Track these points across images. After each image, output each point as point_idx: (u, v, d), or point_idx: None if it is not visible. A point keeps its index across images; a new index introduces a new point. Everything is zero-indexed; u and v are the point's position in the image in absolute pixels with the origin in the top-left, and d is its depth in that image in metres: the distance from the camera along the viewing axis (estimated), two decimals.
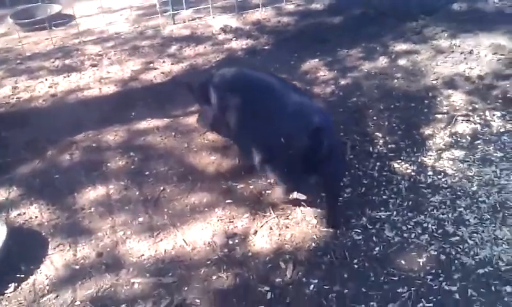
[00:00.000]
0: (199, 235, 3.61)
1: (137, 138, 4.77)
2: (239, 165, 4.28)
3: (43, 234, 3.72)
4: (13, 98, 5.65)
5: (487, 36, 5.94)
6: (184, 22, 7.46)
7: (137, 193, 4.06)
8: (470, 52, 5.66)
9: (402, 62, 5.66)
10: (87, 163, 4.44)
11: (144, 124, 4.99)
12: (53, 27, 7.41)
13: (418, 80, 5.25)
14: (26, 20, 7.67)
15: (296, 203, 3.85)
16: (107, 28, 7.41)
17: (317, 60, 5.94)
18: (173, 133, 4.80)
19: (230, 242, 3.53)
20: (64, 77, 6.10)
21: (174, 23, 7.52)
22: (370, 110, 4.84)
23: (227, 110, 3.93)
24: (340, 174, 3.78)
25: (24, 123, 5.13)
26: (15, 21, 7.69)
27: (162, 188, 4.10)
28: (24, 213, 3.90)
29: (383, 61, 5.71)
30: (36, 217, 3.85)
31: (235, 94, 3.89)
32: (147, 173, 4.30)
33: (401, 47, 5.98)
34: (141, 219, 3.80)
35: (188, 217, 3.79)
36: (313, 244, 3.45)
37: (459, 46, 5.82)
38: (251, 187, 4.04)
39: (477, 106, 4.74)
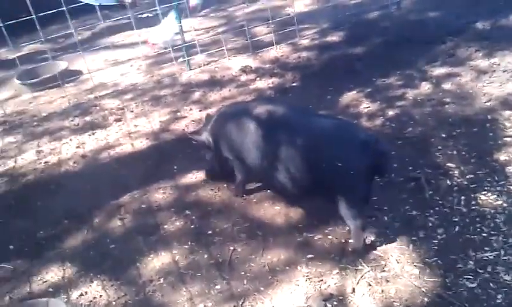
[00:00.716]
0: (289, 299, 3.23)
1: (187, 194, 4.40)
2: (308, 212, 3.95)
3: None
4: (40, 163, 5.27)
5: None
6: (200, 66, 7.18)
7: (206, 256, 3.67)
8: None
9: (446, 86, 5.42)
10: (141, 227, 4.05)
11: (190, 177, 4.63)
12: (65, 85, 7.06)
13: (471, 104, 5.00)
14: (35, 80, 7.30)
15: (372, 247, 3.52)
16: (121, 80, 7.08)
17: (354, 92, 5.68)
18: (224, 185, 4.40)
19: (329, 306, 3.12)
20: (90, 135, 5.74)
21: (190, 69, 7.22)
22: (432, 140, 4.55)
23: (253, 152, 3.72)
24: None
25: (58, 189, 4.74)
26: (22, 82, 7.33)
27: (232, 248, 3.72)
28: (86, 292, 3.49)
29: (425, 87, 5.47)
30: (101, 295, 3.44)
31: (256, 131, 3.66)
32: (210, 232, 3.92)
33: (439, 70, 5.77)
34: (218, 287, 3.40)
35: (270, 278, 3.41)
36: (426, 299, 3.06)
37: (499, 65, 5.62)
38: (329, 236, 3.69)
39: None
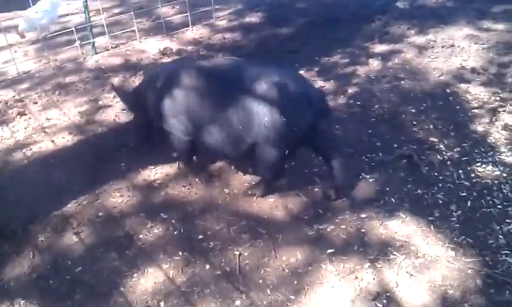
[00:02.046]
0: (331, 304, 2.69)
1: (154, 194, 3.64)
2: (308, 201, 3.48)
3: None
4: None
5: (453, 29, 5.97)
6: (107, 50, 6.18)
7: (207, 266, 3.00)
8: (452, 46, 5.51)
9: (394, 62, 5.30)
10: (109, 241, 3.19)
11: (148, 174, 3.84)
12: None
13: (426, 79, 4.95)
14: None
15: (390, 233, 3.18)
16: (7, 68, 5.79)
17: (302, 71, 5.28)
18: (196, 179, 3.70)
19: (379, 305, 2.67)
20: None
21: (96, 53, 6.19)
22: (404, 115, 4.35)
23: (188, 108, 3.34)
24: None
25: None
26: None
27: (236, 252, 3.09)
28: None
29: (374, 64, 5.31)
30: None
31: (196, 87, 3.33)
32: (201, 236, 3.26)
33: (381, 47, 5.66)
34: (238, 302, 2.75)
35: (296, 283, 2.86)
36: (477, 281, 2.82)
37: (435, 41, 5.69)
38: (343, 226, 3.25)
39: (503, 96, 4.53)
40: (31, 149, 4.27)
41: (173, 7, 7.18)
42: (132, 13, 6.41)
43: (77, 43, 6.02)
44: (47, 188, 3.71)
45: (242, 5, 7.41)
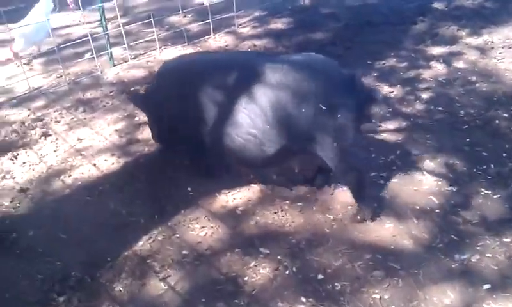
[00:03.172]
0: None
1: (242, 224, 3.03)
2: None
3: None
4: None
5: (507, 29, 5.55)
6: (126, 61, 5.49)
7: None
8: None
9: (458, 65, 4.81)
10: (210, 288, 2.56)
11: (225, 199, 3.24)
12: None
13: (501, 81, 4.51)
14: None
15: None
16: (13, 85, 5.03)
17: (364, 75, 4.73)
18: (285, 203, 3.07)
19: None
20: (11, 159, 3.76)
21: (114, 65, 5.51)
22: (497, 121, 3.83)
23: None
24: None
25: (6, 252, 2.84)
26: None
27: (376, 296, 2.47)
28: None
29: (437, 67, 4.81)
30: None
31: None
32: (321, 276, 2.66)
33: (437, 50, 5.18)
34: None
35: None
36: None
37: (492, 42, 5.24)
38: (488, 255, 2.65)
39: None
40: (70, 176, 3.56)
41: (185, 16, 6.55)
42: (140, 23, 5.77)
43: (89, 55, 5.33)
44: (105, 223, 3.00)
45: (261, 11, 6.83)
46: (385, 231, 2.88)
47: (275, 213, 3.05)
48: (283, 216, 3.03)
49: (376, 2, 6.73)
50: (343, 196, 3.16)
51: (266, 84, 2.68)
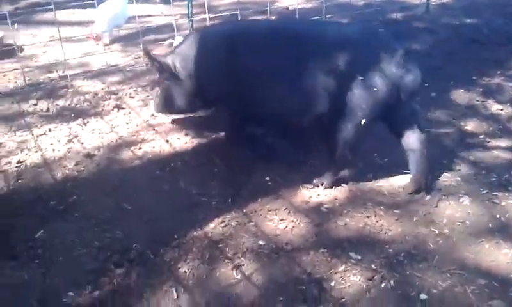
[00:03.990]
0: None
1: (328, 223, 2.61)
2: None
3: None
4: (8, 163, 2.95)
5: None
6: None
7: None
8: None
9: None
10: (290, 286, 2.13)
11: (308, 194, 2.87)
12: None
13: None
14: None
15: None
16: (89, 60, 4.87)
17: (462, 90, 4.26)
18: (380, 208, 2.60)
19: None
20: (80, 125, 3.55)
21: None
22: None
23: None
24: None
25: (67, 215, 2.52)
26: None
27: None
28: None
29: None
30: None
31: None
32: (424, 296, 2.09)
33: None
34: None
35: None
36: None
37: None
38: None
39: None
40: (140, 149, 3.27)
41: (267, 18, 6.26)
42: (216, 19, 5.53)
43: (169, 41, 5.11)
44: (175, 199, 2.66)
45: (350, 20, 6.46)
46: (503, 256, 2.36)
47: (367, 217, 2.60)
48: (377, 221, 2.57)
49: (476, 21, 6.19)
50: (449, 209, 2.68)
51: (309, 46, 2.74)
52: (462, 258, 2.34)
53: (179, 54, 3.15)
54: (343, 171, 2.86)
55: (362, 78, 2.56)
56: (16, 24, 5.12)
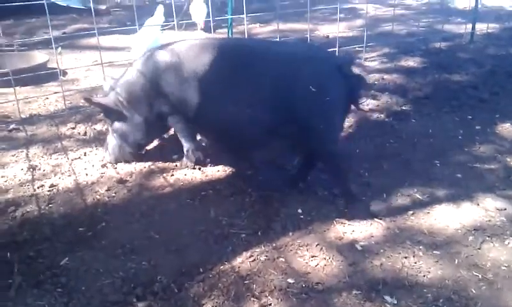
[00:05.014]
0: None
1: (363, 263, 2.48)
2: None
3: None
4: (40, 187, 2.95)
5: None
6: None
7: None
8: None
9: None
10: None
11: (342, 230, 2.74)
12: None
13: None
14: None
15: None
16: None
17: (507, 124, 3.98)
18: (419, 248, 2.43)
19: None
20: None
21: None
22: None
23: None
24: None
25: (95, 242, 2.47)
26: None
27: None
28: None
29: None
30: None
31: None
32: None
33: None
34: None
35: None
36: None
37: None
38: None
39: None
40: (172, 175, 3.23)
41: None
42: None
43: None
44: (203, 230, 2.59)
45: (391, 48, 6.33)
46: None
47: (405, 258, 2.45)
48: (415, 263, 2.41)
49: None
50: (494, 252, 2.49)
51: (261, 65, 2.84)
52: None
53: (120, 86, 3.13)
54: (375, 204, 2.81)
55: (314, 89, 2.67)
56: (60, 48, 5.24)
